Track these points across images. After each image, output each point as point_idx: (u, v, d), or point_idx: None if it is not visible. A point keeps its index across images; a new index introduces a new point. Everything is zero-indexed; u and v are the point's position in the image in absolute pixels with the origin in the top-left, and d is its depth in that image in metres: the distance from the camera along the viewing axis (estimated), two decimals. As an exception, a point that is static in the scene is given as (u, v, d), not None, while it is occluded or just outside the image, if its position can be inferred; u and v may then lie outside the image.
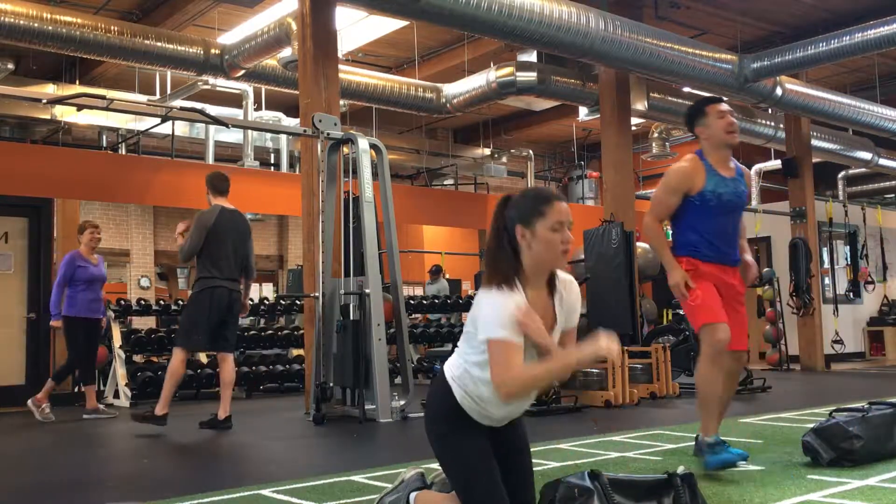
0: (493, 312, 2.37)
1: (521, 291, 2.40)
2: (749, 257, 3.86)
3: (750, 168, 14.89)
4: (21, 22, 7.74)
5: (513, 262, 2.45)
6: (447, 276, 12.54)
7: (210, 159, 11.50)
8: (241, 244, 6.00)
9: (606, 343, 2.34)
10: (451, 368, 2.52)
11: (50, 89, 10.33)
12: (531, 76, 9.82)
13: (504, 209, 2.50)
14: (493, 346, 2.36)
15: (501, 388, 2.35)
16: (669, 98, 10.75)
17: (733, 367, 3.77)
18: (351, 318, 6.23)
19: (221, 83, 10.00)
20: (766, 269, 11.43)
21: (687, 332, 8.01)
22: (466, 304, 10.87)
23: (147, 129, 10.69)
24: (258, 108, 11.60)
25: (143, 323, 10.87)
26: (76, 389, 7.95)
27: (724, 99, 3.90)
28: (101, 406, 7.23)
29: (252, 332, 9.57)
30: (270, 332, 9.65)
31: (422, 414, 6.12)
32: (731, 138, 3.74)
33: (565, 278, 2.55)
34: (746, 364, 8.25)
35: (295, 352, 9.68)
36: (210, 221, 5.87)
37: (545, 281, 2.50)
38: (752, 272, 3.83)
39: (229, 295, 5.87)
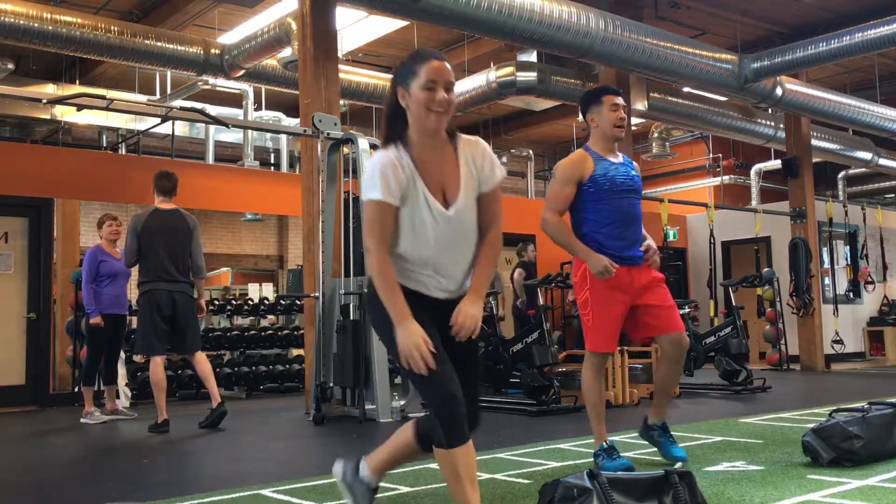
0: (369, 173, 2.41)
1: (403, 150, 2.41)
2: (650, 241, 3.81)
3: (750, 168, 14.91)
4: (21, 22, 7.75)
5: (395, 125, 2.45)
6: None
7: (210, 159, 11.51)
8: (179, 244, 5.96)
9: (413, 345, 2.31)
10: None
11: (50, 89, 10.34)
12: (531, 76, 9.81)
13: (394, 74, 2.50)
14: (366, 206, 2.41)
15: (367, 255, 2.42)
16: (669, 98, 10.76)
17: (673, 353, 3.75)
18: (351, 318, 6.23)
19: (221, 83, 10.01)
20: (766, 269, 11.42)
21: (687, 333, 8.00)
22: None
23: (147, 129, 10.70)
24: (258, 108, 11.61)
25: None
26: (76, 389, 7.94)
27: (620, 92, 3.97)
28: (120, 407, 7.08)
29: (252, 332, 9.57)
30: (270, 332, 9.65)
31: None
32: (618, 132, 3.78)
33: (470, 139, 2.52)
34: (747, 363, 8.32)
35: (295, 352, 9.68)
36: (139, 225, 5.91)
37: (443, 143, 2.48)
38: (651, 254, 3.75)
39: (169, 295, 5.85)
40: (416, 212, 2.41)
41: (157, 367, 5.83)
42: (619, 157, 3.86)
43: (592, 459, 3.77)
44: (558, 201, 3.75)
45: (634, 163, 4.00)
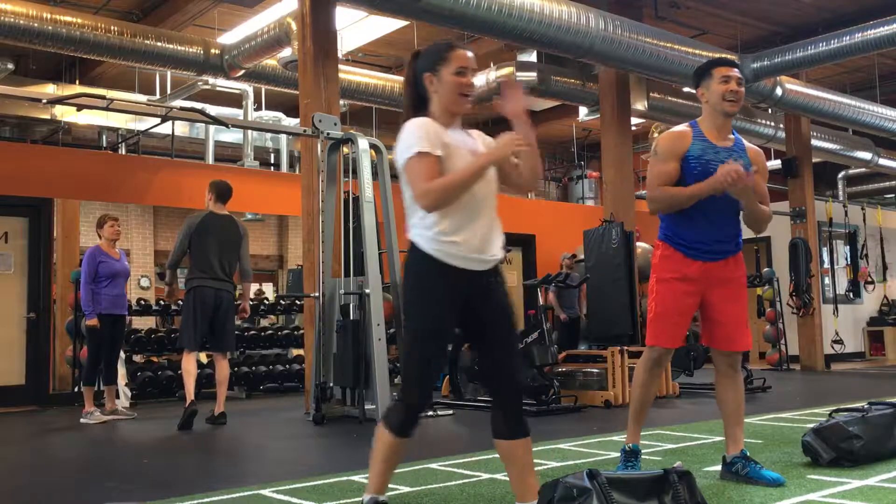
0: (406, 137, 2.53)
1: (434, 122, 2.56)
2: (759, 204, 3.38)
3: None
4: (21, 22, 7.74)
5: (417, 105, 2.64)
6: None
7: (210, 159, 11.51)
8: (229, 248, 6.22)
9: (513, 137, 2.49)
10: (414, 240, 2.59)
11: (50, 89, 10.34)
12: (531, 76, 9.81)
13: (414, 62, 2.66)
14: (409, 165, 2.49)
15: (423, 199, 2.46)
16: (669, 98, 10.76)
17: (729, 371, 3.45)
18: (351, 318, 6.23)
19: (221, 83, 10.00)
20: (766, 269, 11.43)
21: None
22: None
23: (147, 129, 10.69)
24: (258, 108, 11.61)
25: (143, 323, 10.87)
26: (76, 389, 7.94)
27: (737, 62, 3.59)
28: (120, 407, 7.09)
29: (252, 332, 9.57)
30: (270, 331, 9.66)
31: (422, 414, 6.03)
32: (728, 107, 3.41)
33: (478, 133, 2.72)
34: (746, 364, 8.31)
35: (295, 352, 9.68)
36: (192, 225, 6.16)
37: (458, 128, 2.66)
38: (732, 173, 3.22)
39: (215, 294, 6.09)
40: (458, 161, 2.52)
41: (190, 359, 6.09)
42: (730, 141, 3.45)
43: (593, 460, 3.76)
44: (660, 178, 3.38)
45: (752, 148, 3.55)
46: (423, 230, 2.54)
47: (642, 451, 3.58)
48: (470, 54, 2.61)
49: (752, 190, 3.30)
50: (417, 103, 2.64)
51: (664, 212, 3.44)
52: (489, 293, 2.59)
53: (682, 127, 3.50)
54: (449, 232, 2.51)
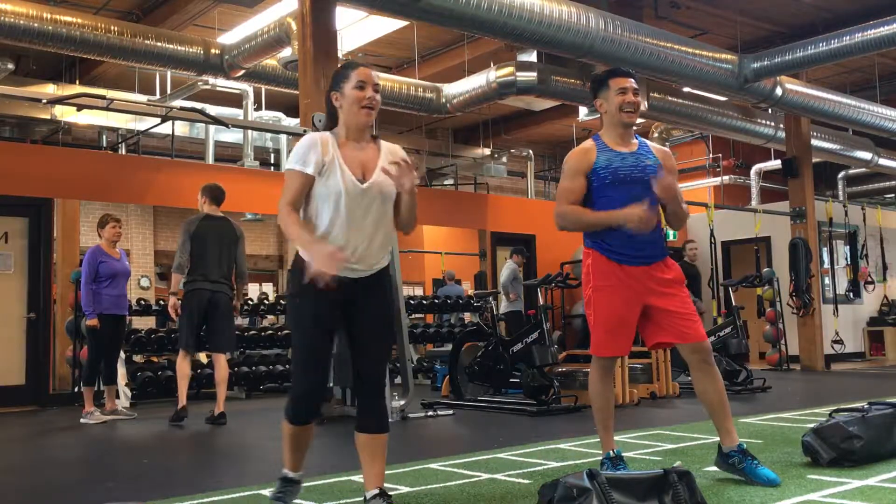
0: (294, 150, 2.84)
1: (332, 135, 2.86)
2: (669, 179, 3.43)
3: (750, 168, 14.90)
4: (21, 22, 7.74)
5: (329, 122, 2.93)
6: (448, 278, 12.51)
7: (210, 159, 11.51)
8: (226, 250, 6.34)
9: None
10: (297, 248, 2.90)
11: (50, 89, 10.34)
12: (531, 76, 9.81)
13: (329, 87, 2.94)
14: (285, 176, 2.82)
15: (279, 210, 2.76)
16: (669, 98, 10.75)
17: (696, 359, 3.43)
18: (351, 318, 6.23)
19: (221, 83, 10.00)
20: (766, 270, 11.42)
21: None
22: (466, 305, 10.87)
23: (147, 129, 10.69)
24: (258, 108, 11.61)
25: (143, 323, 10.87)
26: (76, 389, 7.94)
27: (632, 73, 3.62)
28: (120, 407, 7.09)
29: (252, 332, 9.57)
30: (270, 332, 9.65)
31: (422, 414, 6.10)
32: (626, 118, 3.46)
33: (391, 146, 2.95)
34: (747, 363, 8.31)
35: (294, 352, 9.66)
36: (191, 229, 6.27)
37: (368, 140, 2.92)
38: (664, 180, 3.36)
39: (211, 296, 6.21)
40: (335, 183, 2.78)
41: (184, 361, 6.22)
42: (633, 146, 3.52)
43: (593, 460, 3.77)
44: (569, 195, 3.48)
45: (658, 147, 3.63)
46: None
47: (641, 451, 3.59)
48: (370, 71, 2.88)
49: (677, 193, 3.44)
50: (330, 122, 2.94)
51: (570, 230, 3.56)
52: (364, 299, 2.85)
53: (587, 143, 3.59)
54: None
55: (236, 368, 8.87)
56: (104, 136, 11.54)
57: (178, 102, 10.32)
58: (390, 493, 2.92)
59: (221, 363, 6.29)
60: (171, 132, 11.08)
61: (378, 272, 2.88)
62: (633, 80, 3.54)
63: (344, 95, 2.85)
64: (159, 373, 8.32)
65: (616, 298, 3.42)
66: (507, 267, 10.56)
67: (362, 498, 2.91)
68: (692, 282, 8.80)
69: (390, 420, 5.86)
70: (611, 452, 3.51)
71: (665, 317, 3.42)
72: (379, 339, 2.92)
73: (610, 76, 3.55)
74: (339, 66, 2.93)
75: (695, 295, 9.17)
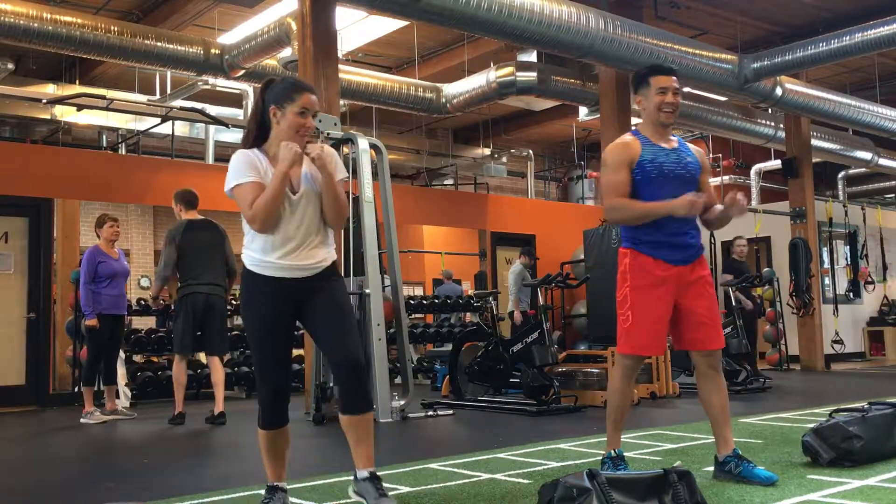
0: (231, 168, 2.88)
1: (260, 152, 2.92)
2: (719, 206, 3.46)
3: (750, 168, 14.90)
4: (21, 22, 7.74)
5: (259, 132, 2.96)
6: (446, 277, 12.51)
7: (210, 159, 11.50)
8: (214, 251, 6.42)
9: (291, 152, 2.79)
10: (243, 259, 2.97)
11: (50, 89, 10.34)
12: (531, 76, 9.81)
13: (264, 92, 2.96)
14: (236, 193, 2.86)
15: (254, 223, 2.82)
16: (669, 98, 10.74)
17: (708, 371, 3.44)
18: (350, 317, 6.23)
19: (221, 83, 9.99)
20: (766, 269, 11.42)
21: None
22: (466, 305, 10.87)
23: (147, 129, 10.68)
24: (258, 108, 11.59)
25: (143, 323, 10.87)
26: (76, 389, 7.94)
27: (675, 70, 3.59)
28: (120, 407, 7.09)
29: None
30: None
31: (422, 414, 6.11)
32: (664, 117, 3.46)
33: (324, 146, 3.01)
34: (746, 364, 8.31)
35: (295, 352, 9.65)
36: (177, 236, 6.34)
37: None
38: (733, 200, 3.38)
39: (206, 299, 6.30)
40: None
41: (181, 367, 6.34)
42: (673, 142, 3.52)
43: (593, 460, 3.77)
44: (617, 188, 3.39)
45: (695, 147, 3.64)
46: (246, 250, 2.95)
47: (641, 451, 3.59)
48: (314, 98, 2.93)
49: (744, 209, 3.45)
50: (259, 131, 2.96)
51: (620, 223, 3.50)
52: (315, 293, 2.93)
53: (626, 136, 3.55)
54: (267, 250, 2.88)
55: (236, 368, 8.88)
56: (104, 136, 11.53)
57: (178, 102, 10.31)
58: (390, 493, 2.93)
59: (217, 366, 6.36)
60: (171, 132, 11.07)
61: (323, 272, 2.97)
62: (674, 78, 3.50)
63: (285, 116, 2.89)
64: (159, 373, 8.33)
65: (654, 297, 3.39)
66: (513, 271, 10.39)
67: (352, 476, 2.94)
68: (739, 278, 8.79)
69: (390, 420, 5.92)
70: (612, 452, 3.52)
71: (688, 318, 3.42)
72: (337, 324, 2.93)
73: (651, 73, 3.51)
74: (285, 82, 2.98)
75: (743, 293, 9.07)
